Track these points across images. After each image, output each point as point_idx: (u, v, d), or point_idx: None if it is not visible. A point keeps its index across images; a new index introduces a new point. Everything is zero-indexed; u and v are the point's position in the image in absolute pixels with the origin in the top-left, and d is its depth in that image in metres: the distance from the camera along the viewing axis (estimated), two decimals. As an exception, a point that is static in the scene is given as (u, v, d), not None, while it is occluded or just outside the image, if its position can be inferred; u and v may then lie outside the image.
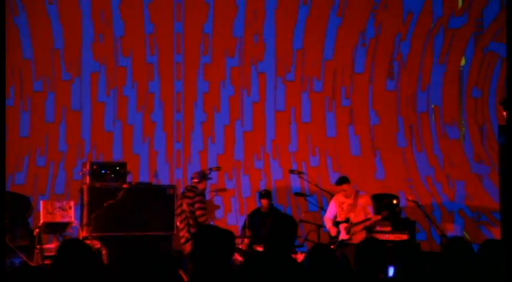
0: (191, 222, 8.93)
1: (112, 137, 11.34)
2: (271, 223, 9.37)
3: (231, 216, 11.18)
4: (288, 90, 11.60)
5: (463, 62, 11.65)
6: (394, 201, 10.22)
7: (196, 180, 9.18)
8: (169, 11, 11.43)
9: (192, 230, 8.88)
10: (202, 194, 9.10)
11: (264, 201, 9.89)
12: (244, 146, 11.48)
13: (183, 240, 8.98)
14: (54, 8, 11.19)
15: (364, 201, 9.16)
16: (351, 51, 11.60)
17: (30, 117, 11.19)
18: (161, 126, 11.42)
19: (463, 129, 11.64)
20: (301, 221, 10.08)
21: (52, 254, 8.88)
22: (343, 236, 9.02)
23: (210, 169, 10.03)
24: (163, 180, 10.69)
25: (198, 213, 8.91)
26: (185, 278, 7.22)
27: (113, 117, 11.35)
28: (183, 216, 9.05)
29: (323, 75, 11.59)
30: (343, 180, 9.18)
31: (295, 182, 11.16)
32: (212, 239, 4.34)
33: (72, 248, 4.75)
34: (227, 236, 4.43)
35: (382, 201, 10.22)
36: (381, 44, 11.60)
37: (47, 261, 8.53)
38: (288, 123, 11.54)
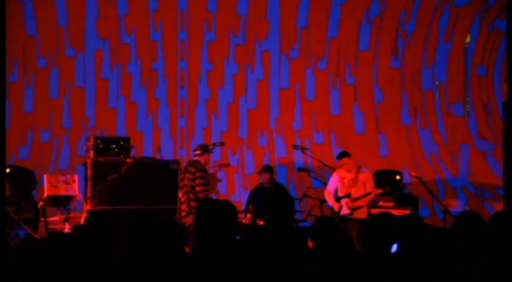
0: (191, 196, 8.97)
1: (115, 113, 11.34)
2: (268, 197, 9.46)
3: (235, 192, 11.20)
4: (292, 68, 11.58)
5: (468, 39, 11.61)
6: (397, 177, 10.22)
7: (198, 152, 9.18)
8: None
9: (192, 204, 8.93)
10: (203, 170, 9.09)
11: (265, 176, 9.93)
12: (247, 123, 11.49)
13: (183, 214, 9.04)
14: (58, -16, 11.20)
15: (365, 176, 9.16)
16: (355, 29, 11.56)
17: (34, 93, 11.20)
18: (165, 103, 11.42)
19: (468, 106, 11.62)
20: (305, 196, 10.12)
21: (56, 226, 8.95)
22: (345, 211, 9.02)
23: (214, 144, 10.05)
24: (167, 156, 10.69)
25: (198, 189, 8.93)
26: (187, 249, 7.23)
27: (117, 93, 11.36)
28: (185, 190, 9.10)
29: (327, 53, 11.56)
30: (343, 154, 9.18)
31: (299, 158, 11.17)
32: (214, 213, 4.34)
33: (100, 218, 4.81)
34: (229, 209, 4.43)
35: (385, 178, 10.22)
36: (386, 21, 11.56)
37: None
38: (292, 101, 11.53)
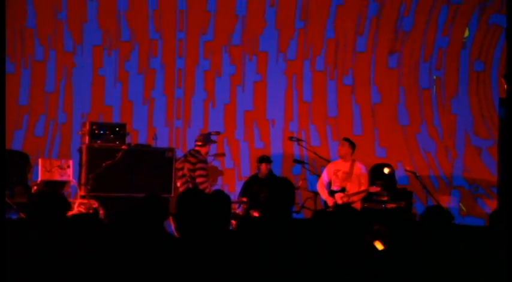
0: (191, 186, 8.90)
1: (112, 100, 11.31)
2: (270, 188, 9.43)
3: (229, 182, 11.19)
4: (290, 69, 11.55)
5: (466, 34, 11.59)
6: (386, 170, 10.05)
7: (200, 143, 9.08)
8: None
9: (191, 194, 8.86)
10: (204, 160, 9.01)
11: (263, 166, 9.83)
12: (244, 112, 11.47)
13: (180, 203, 8.96)
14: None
15: (360, 170, 9.16)
16: (352, 28, 11.53)
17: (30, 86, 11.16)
18: (161, 90, 11.39)
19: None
20: (299, 188, 10.11)
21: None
22: (340, 205, 9.01)
23: (210, 133, 10.00)
24: (162, 144, 10.66)
25: (198, 180, 8.87)
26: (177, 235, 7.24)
27: (114, 80, 11.32)
28: (184, 179, 9.03)
29: (324, 50, 11.52)
30: (345, 138, 9.22)
31: (294, 150, 11.17)
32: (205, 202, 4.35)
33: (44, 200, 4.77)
34: (222, 198, 4.43)
35: (378, 170, 10.20)
36: (384, 16, 11.53)
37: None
38: (290, 98, 11.51)
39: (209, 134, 9.92)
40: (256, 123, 11.40)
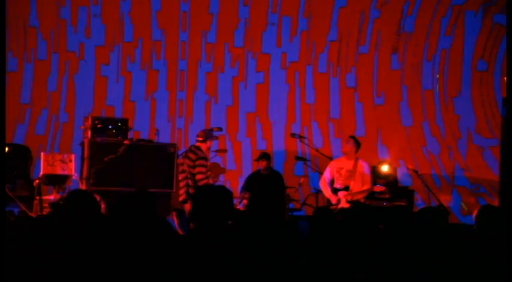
0: (190, 183, 8.83)
1: (115, 95, 11.32)
2: (263, 184, 9.46)
3: (231, 178, 11.19)
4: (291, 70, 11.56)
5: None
6: (386, 169, 10.00)
7: (200, 138, 8.98)
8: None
9: (191, 190, 8.78)
10: (204, 157, 8.88)
11: (263, 163, 9.87)
12: (246, 110, 11.47)
13: (180, 199, 8.92)
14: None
15: (363, 169, 9.13)
16: (356, 30, 11.53)
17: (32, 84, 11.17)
18: (164, 84, 11.40)
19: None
20: (300, 185, 10.11)
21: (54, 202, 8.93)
22: (343, 204, 8.98)
23: (211, 129, 9.97)
24: (164, 139, 10.66)
25: (198, 177, 8.76)
26: (180, 231, 7.23)
27: (116, 74, 11.33)
28: (183, 175, 8.96)
29: (328, 55, 11.53)
30: (351, 136, 9.22)
31: (296, 147, 11.17)
32: (210, 198, 4.34)
33: (78, 198, 4.81)
34: (224, 194, 4.43)
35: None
36: (387, 15, 11.53)
37: (45, 211, 8.57)
38: (292, 99, 11.52)
39: (210, 130, 9.87)
40: (258, 119, 11.41)
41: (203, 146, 8.99)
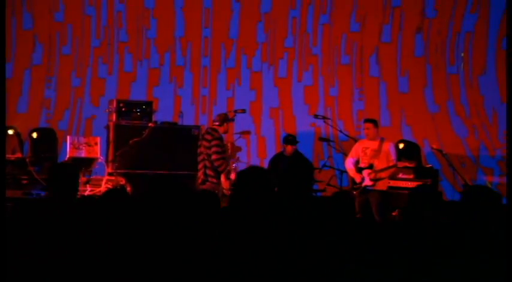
0: (208, 164, 8.88)
1: (135, 77, 11.39)
2: (288, 165, 9.46)
3: (254, 160, 11.22)
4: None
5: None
6: (400, 145, 9.94)
7: (217, 123, 9.04)
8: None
9: (208, 172, 8.82)
10: (220, 138, 8.92)
11: (289, 148, 9.78)
12: (268, 90, 11.50)
13: (199, 181, 8.97)
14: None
15: (388, 148, 9.11)
16: (379, 20, 11.50)
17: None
18: (188, 68, 11.44)
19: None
20: (325, 165, 10.11)
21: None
22: (367, 182, 8.97)
23: (235, 111, 9.99)
24: (188, 122, 10.71)
25: (213, 157, 8.81)
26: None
27: (140, 58, 11.41)
28: (201, 157, 9.01)
29: (349, 47, 11.50)
30: (367, 120, 9.17)
31: (320, 128, 11.17)
32: (254, 179, 4.37)
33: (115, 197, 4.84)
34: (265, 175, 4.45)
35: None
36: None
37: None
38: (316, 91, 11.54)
39: (235, 111, 9.90)
40: (282, 112, 11.49)
41: (220, 129, 9.04)
